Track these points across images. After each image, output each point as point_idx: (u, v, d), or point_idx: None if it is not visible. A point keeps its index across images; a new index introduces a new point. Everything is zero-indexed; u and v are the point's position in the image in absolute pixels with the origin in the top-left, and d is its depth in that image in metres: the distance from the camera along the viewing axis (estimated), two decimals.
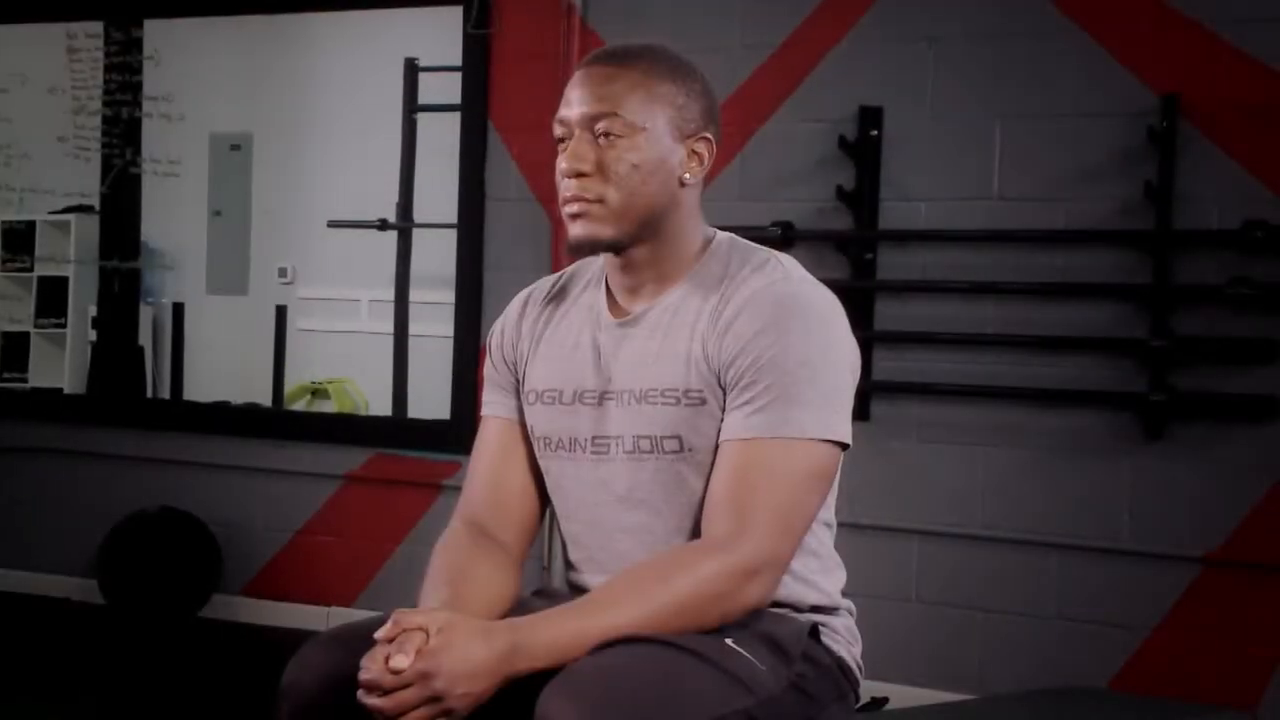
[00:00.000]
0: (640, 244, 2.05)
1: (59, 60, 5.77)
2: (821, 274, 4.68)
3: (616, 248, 2.05)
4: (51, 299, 6.79)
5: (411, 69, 6.14)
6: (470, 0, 5.03)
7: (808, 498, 1.95)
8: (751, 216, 4.56)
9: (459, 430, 5.05)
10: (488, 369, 2.23)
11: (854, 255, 4.48)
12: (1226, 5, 4.09)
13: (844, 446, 1.98)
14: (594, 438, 2.06)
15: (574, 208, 2.02)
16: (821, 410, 1.94)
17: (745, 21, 4.64)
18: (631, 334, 2.06)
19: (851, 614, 2.14)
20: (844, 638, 2.10)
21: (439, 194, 5.52)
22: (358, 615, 4.91)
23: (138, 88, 5.67)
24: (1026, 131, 4.30)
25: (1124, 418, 4.19)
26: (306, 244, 7.16)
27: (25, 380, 6.83)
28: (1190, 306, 4.11)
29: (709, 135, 2.07)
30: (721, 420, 1.98)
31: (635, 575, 1.90)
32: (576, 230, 2.03)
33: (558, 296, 2.18)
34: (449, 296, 5.21)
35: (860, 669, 2.11)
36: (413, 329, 6.17)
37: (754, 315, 1.96)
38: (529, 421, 2.15)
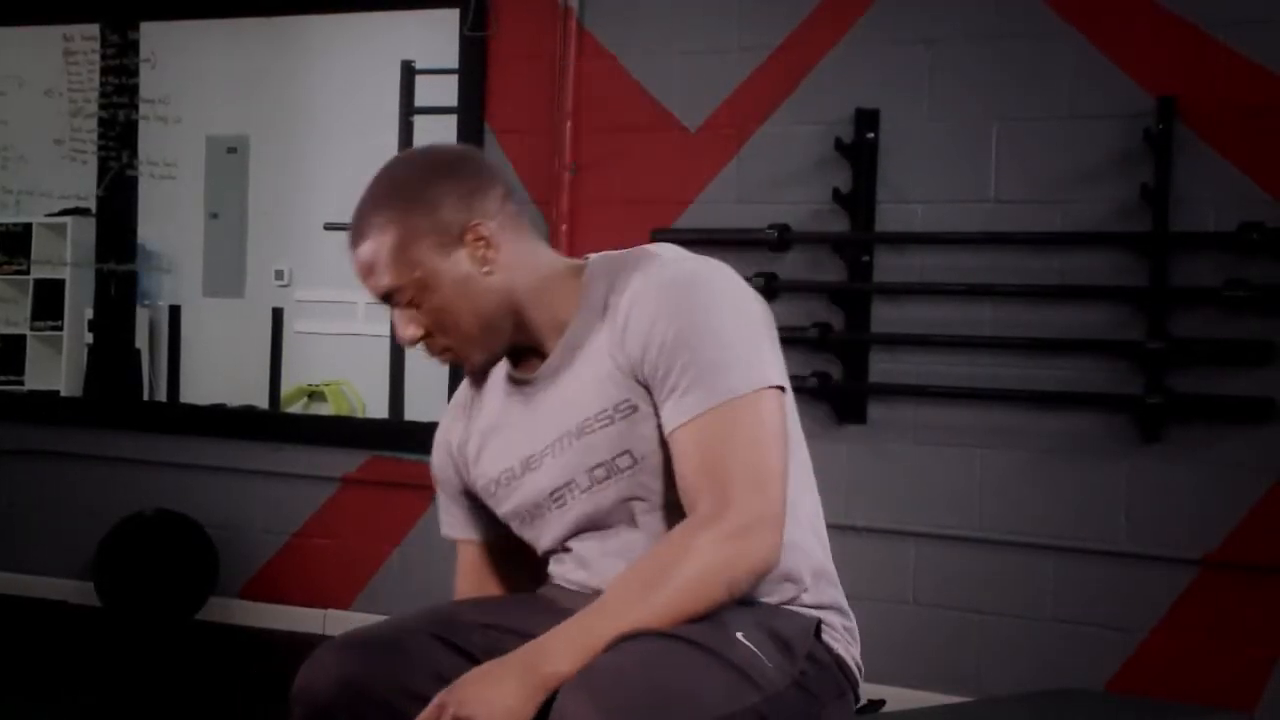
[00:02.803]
0: (513, 335, 2.06)
1: (56, 63, 5.77)
2: (818, 277, 4.72)
3: (497, 359, 2.09)
4: (48, 301, 6.79)
5: (408, 71, 6.14)
6: (467, 3, 5.02)
7: (769, 449, 1.93)
8: (748, 219, 4.56)
9: None
10: (438, 484, 2.25)
11: (851, 257, 4.48)
12: (1223, 7, 4.10)
13: (781, 389, 1.97)
14: (551, 493, 2.06)
15: (439, 360, 2.08)
16: (743, 364, 1.94)
17: (742, 24, 4.64)
18: (547, 385, 2.06)
19: (850, 616, 2.14)
20: (844, 636, 2.10)
21: None
22: (355, 618, 4.91)
23: (134, 90, 5.67)
24: (1023, 134, 4.31)
25: (1121, 419, 4.19)
26: (303, 246, 7.16)
27: (21, 383, 6.83)
28: (1187, 308, 4.11)
29: (476, 222, 2.01)
30: (658, 417, 1.98)
31: (637, 573, 1.90)
32: (462, 366, 2.10)
33: (472, 395, 2.20)
34: None
35: (860, 669, 2.11)
36: None
37: (644, 308, 1.96)
38: (496, 510, 2.16)
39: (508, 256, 2.03)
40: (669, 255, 2.04)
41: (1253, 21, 4.06)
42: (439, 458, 2.24)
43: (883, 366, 4.46)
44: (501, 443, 2.12)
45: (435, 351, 2.06)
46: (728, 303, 1.98)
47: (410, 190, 2.02)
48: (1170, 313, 4.12)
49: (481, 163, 2.11)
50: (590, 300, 2.03)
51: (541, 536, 2.12)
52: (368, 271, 2.03)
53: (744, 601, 1.99)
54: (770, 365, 1.97)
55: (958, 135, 4.37)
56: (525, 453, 2.08)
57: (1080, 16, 4.23)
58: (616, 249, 2.11)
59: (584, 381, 2.01)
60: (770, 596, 2.02)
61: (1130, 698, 3.98)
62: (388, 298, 2.03)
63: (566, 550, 2.10)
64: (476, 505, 2.20)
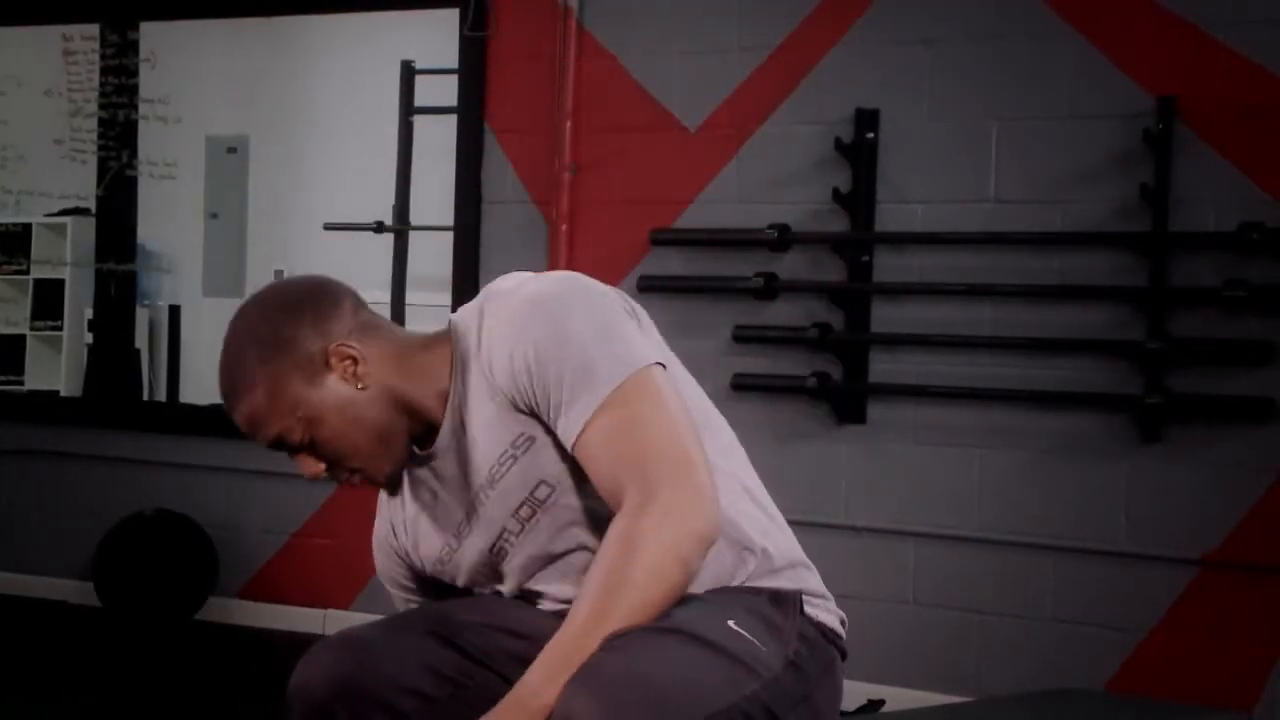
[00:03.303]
0: (410, 428, 2.05)
1: (55, 63, 5.77)
2: (818, 277, 4.71)
3: (405, 460, 2.07)
4: (48, 301, 6.79)
5: (408, 71, 6.14)
6: (467, 3, 5.02)
7: (672, 423, 1.91)
8: (748, 219, 4.56)
9: None
10: (389, 585, 2.26)
11: (850, 258, 4.48)
12: (1223, 8, 4.10)
13: (661, 365, 1.96)
14: (490, 549, 2.06)
15: (354, 484, 2.10)
16: (611, 355, 1.92)
17: (742, 24, 4.64)
18: (447, 453, 2.05)
19: (814, 570, 2.12)
20: (820, 601, 2.09)
21: (435, 196, 5.53)
22: (354, 618, 4.91)
23: (134, 90, 5.67)
24: (1023, 134, 4.31)
25: (1120, 419, 4.19)
26: (303, 246, 7.16)
27: (21, 383, 6.83)
28: (1186, 308, 4.11)
29: (332, 344, 2.02)
30: (556, 440, 1.96)
31: (594, 583, 1.86)
32: (376, 485, 2.12)
33: (390, 502, 2.19)
34: (445, 299, 5.20)
35: (844, 624, 2.10)
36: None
37: (500, 342, 1.97)
38: (456, 584, 2.15)
39: (375, 362, 2.03)
40: (510, 285, 2.06)
41: (1253, 21, 4.07)
42: (382, 560, 2.23)
43: (882, 367, 4.46)
44: (428, 524, 2.12)
45: (345, 479, 2.07)
46: (577, 304, 1.98)
47: (264, 338, 2.05)
48: (1170, 313, 4.12)
49: (323, 286, 2.12)
50: (460, 358, 2.03)
51: (505, 590, 2.12)
52: (253, 428, 2.06)
53: (724, 588, 2.00)
54: (638, 345, 1.95)
55: (958, 135, 4.38)
56: (454, 522, 2.08)
57: (1080, 16, 4.23)
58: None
59: (476, 434, 2.01)
60: (739, 574, 2.02)
61: (1130, 698, 3.98)
62: (280, 445, 2.06)
63: (535, 593, 2.09)
64: (430, 582, 2.20)
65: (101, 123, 5.71)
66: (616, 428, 1.89)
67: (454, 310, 5.14)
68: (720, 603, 1.96)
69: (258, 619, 5.35)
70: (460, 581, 2.14)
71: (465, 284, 5.08)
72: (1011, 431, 4.32)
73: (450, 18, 5.11)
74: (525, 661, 1.97)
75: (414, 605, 2.24)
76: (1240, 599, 4.06)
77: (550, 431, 1.96)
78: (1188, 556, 4.11)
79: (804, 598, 2.04)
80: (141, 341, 6.42)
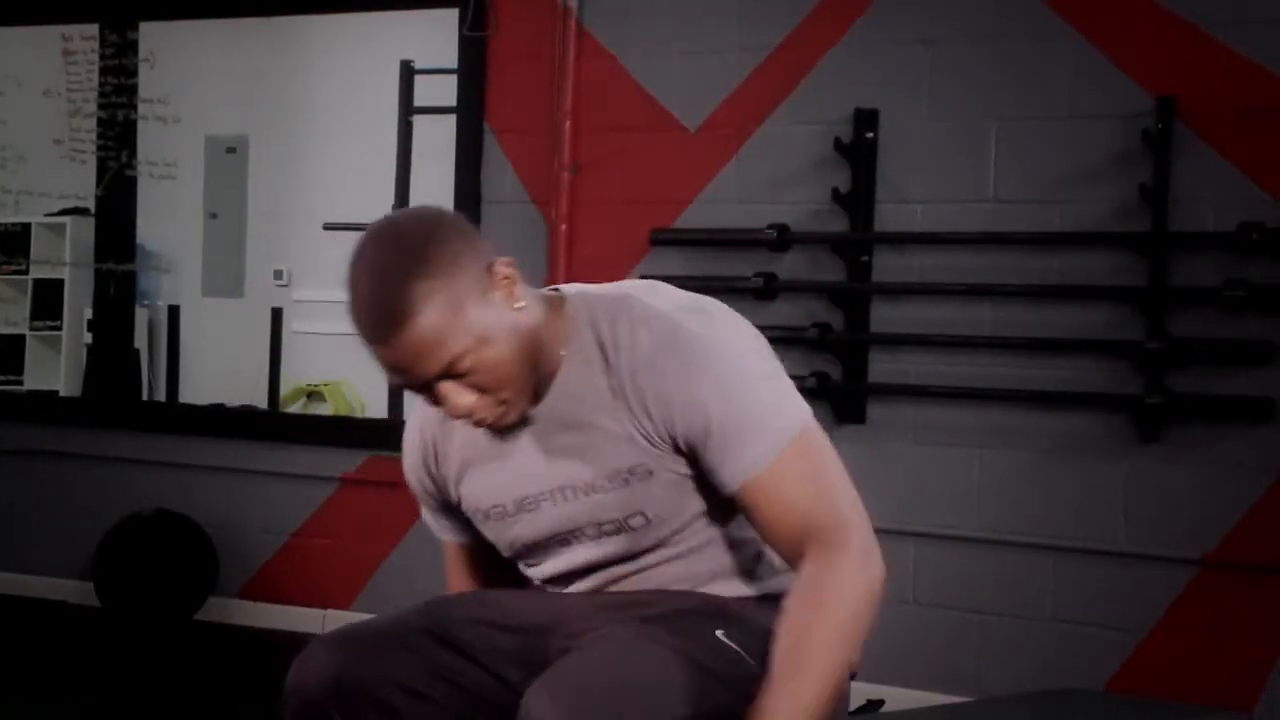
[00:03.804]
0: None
1: (55, 63, 5.77)
2: (817, 277, 4.71)
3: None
4: (47, 301, 6.79)
5: (407, 71, 6.14)
6: (466, 3, 5.02)
7: (839, 473, 1.96)
8: (747, 219, 4.56)
9: None
10: (419, 501, 2.22)
11: (850, 258, 4.48)
12: (1222, 7, 4.10)
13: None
14: (553, 535, 2.05)
15: (481, 426, 1.97)
16: (783, 406, 1.95)
17: (741, 23, 4.64)
18: (543, 431, 2.00)
19: None
20: None
21: (435, 196, 5.51)
22: (354, 618, 4.89)
23: (133, 90, 5.67)
24: (1022, 134, 4.31)
25: (1120, 419, 4.19)
26: (302, 246, 7.16)
27: (21, 383, 6.83)
28: (1186, 308, 4.11)
29: (491, 261, 1.92)
30: (678, 476, 1.96)
31: (794, 639, 1.87)
32: (493, 429, 1.99)
33: (442, 418, 2.09)
34: None
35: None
36: None
37: (668, 380, 1.91)
38: (485, 535, 2.14)
39: (521, 289, 1.95)
40: (660, 306, 1.97)
41: (1252, 21, 4.06)
42: (413, 478, 2.21)
43: (882, 367, 4.46)
44: (488, 475, 2.07)
45: (487, 414, 1.93)
46: (741, 347, 1.98)
47: (428, 257, 1.88)
48: (1169, 313, 4.12)
49: (449, 211, 2.05)
50: (581, 347, 1.97)
51: (540, 568, 2.11)
52: (422, 354, 1.86)
53: (734, 603, 2.00)
54: (798, 397, 1.97)
55: (957, 135, 4.38)
56: (519, 493, 2.05)
57: (1079, 16, 4.23)
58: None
59: (591, 437, 1.97)
60: (756, 578, 2.04)
61: (1129, 698, 3.98)
62: (443, 374, 1.88)
63: (568, 580, 2.09)
64: (462, 516, 2.17)
65: (101, 123, 5.71)
66: (795, 475, 1.91)
67: None
68: (718, 610, 1.97)
69: (257, 619, 5.35)
70: (494, 539, 2.11)
71: None
72: (1011, 431, 4.31)
73: (449, 17, 5.11)
74: (520, 659, 1.97)
75: (439, 520, 2.21)
76: (1240, 599, 4.06)
77: (673, 470, 1.95)
78: (1187, 556, 4.10)
79: None
80: (141, 341, 6.42)
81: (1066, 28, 4.25)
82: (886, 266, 4.46)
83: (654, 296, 2.00)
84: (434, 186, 5.54)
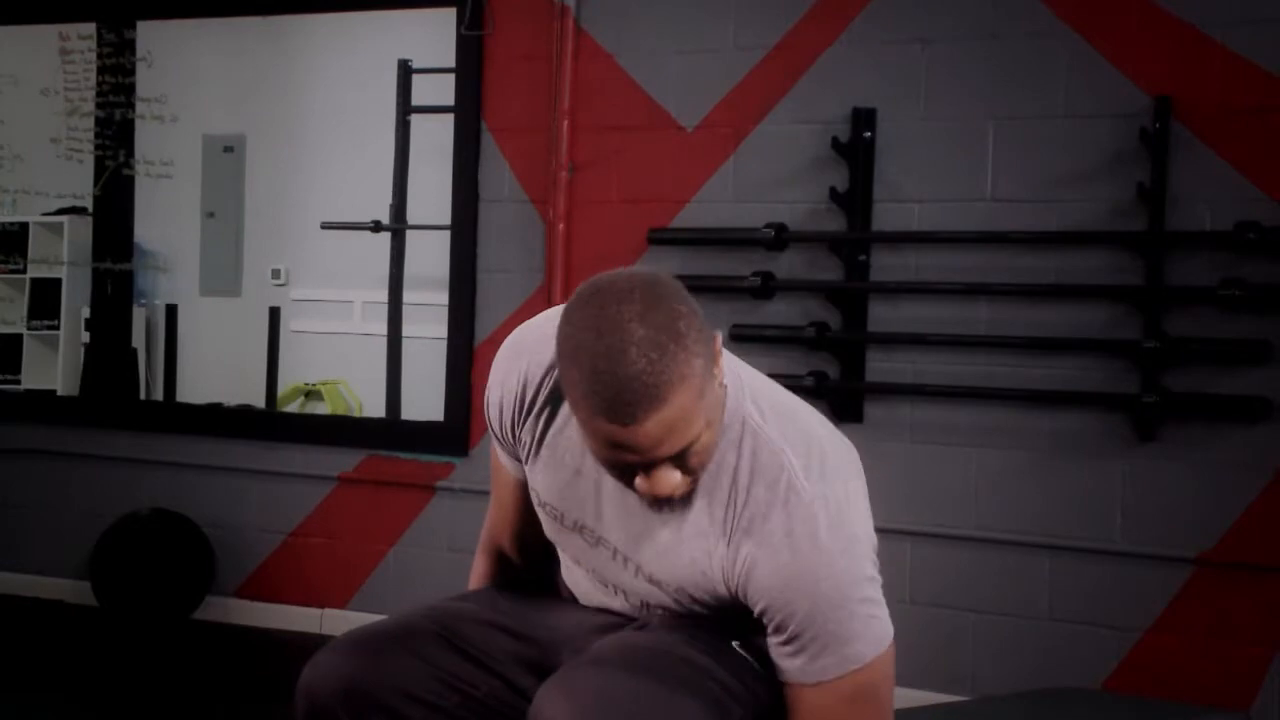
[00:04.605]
0: None
1: (52, 62, 5.77)
2: (815, 275, 4.70)
3: None
4: (44, 301, 6.77)
5: (405, 71, 6.13)
6: (464, 2, 5.02)
7: (890, 701, 1.96)
8: (745, 218, 4.56)
9: (452, 432, 5.05)
10: (490, 421, 2.12)
11: (847, 257, 4.48)
12: (1219, 7, 4.10)
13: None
14: (594, 570, 2.05)
15: (669, 497, 1.88)
16: (868, 630, 1.92)
17: (739, 23, 4.64)
18: (635, 501, 1.95)
19: None
20: None
21: (433, 196, 5.52)
22: (351, 617, 4.91)
23: (131, 89, 5.67)
24: (1019, 133, 4.31)
25: (1117, 419, 4.20)
26: (300, 245, 7.14)
27: (18, 382, 6.81)
28: (1183, 308, 4.12)
29: (714, 336, 1.83)
30: (739, 612, 1.94)
31: None
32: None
33: (557, 392, 2.00)
34: (442, 298, 5.20)
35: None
36: (406, 331, 6.16)
37: (776, 573, 1.87)
38: (538, 513, 2.12)
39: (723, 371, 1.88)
40: (805, 492, 1.90)
41: (1249, 21, 4.07)
42: (493, 412, 2.08)
43: (879, 366, 4.46)
44: (561, 481, 2.02)
45: (678, 494, 1.86)
46: (859, 569, 1.93)
47: (682, 327, 1.76)
48: (1166, 312, 4.12)
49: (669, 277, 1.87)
50: (721, 462, 1.91)
51: (568, 549, 2.10)
52: (667, 435, 1.76)
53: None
54: (886, 618, 1.95)
55: (954, 134, 4.38)
56: (582, 520, 2.02)
57: (1076, 16, 4.24)
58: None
59: (680, 549, 1.94)
60: None
61: (1126, 697, 3.99)
62: (677, 456, 1.80)
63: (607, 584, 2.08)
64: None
65: (98, 122, 5.70)
66: (850, 698, 1.90)
67: (451, 309, 5.09)
68: (735, 621, 1.97)
69: (255, 618, 5.35)
70: (545, 529, 2.09)
71: (462, 283, 5.08)
72: (1008, 431, 4.32)
73: (447, 17, 5.11)
74: (533, 665, 1.97)
75: (498, 450, 2.14)
76: (1237, 598, 4.06)
77: (730, 611, 1.94)
78: (1184, 555, 4.11)
79: None
80: (138, 341, 6.40)
81: (1064, 27, 4.25)
82: (884, 266, 4.47)
83: (806, 471, 1.92)
84: (432, 186, 5.55)
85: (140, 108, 5.68)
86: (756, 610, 1.91)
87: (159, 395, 6.64)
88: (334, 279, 7.06)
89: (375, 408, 6.34)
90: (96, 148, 5.71)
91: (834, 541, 1.90)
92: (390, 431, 5.53)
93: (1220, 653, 4.07)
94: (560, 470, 2.01)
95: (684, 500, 1.91)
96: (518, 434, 2.05)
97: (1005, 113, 4.32)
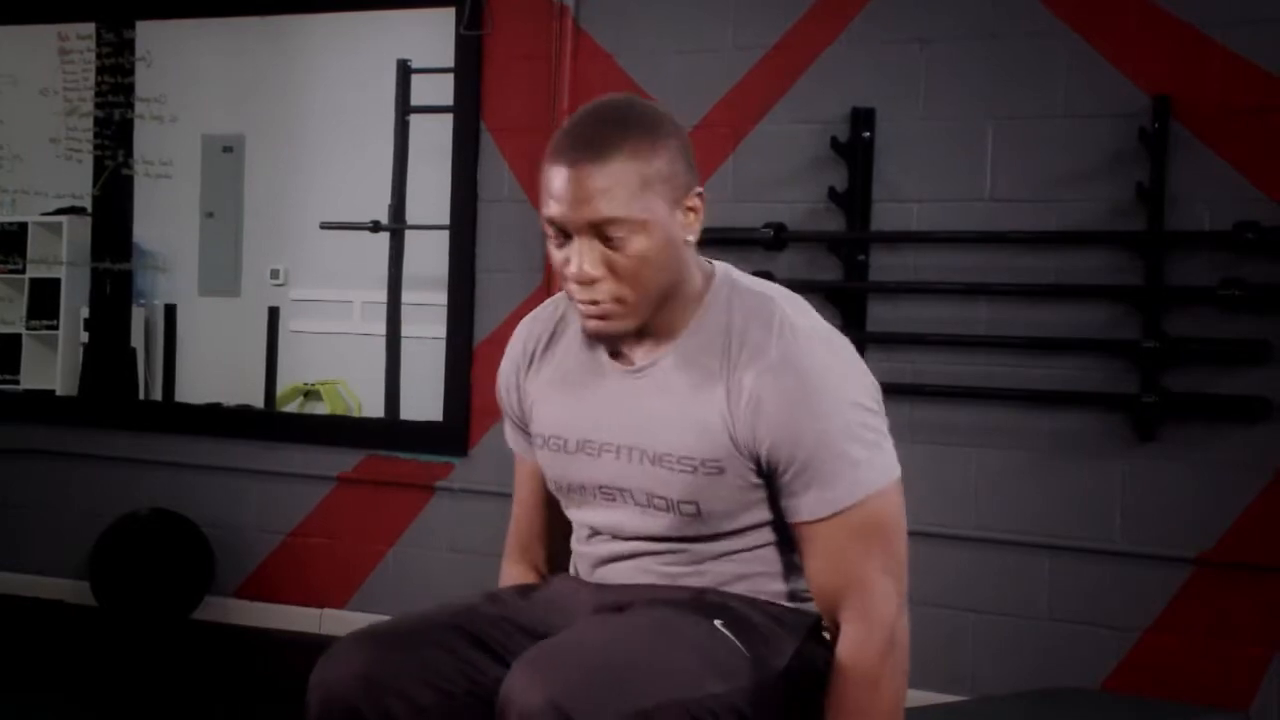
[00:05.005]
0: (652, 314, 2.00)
1: (51, 62, 5.77)
2: (814, 275, 4.70)
3: (637, 332, 2.00)
4: (43, 301, 6.77)
5: (404, 71, 6.13)
6: (463, 2, 5.02)
7: (900, 539, 2.00)
8: (744, 217, 4.56)
9: (451, 432, 5.05)
10: (502, 405, 2.23)
11: (846, 256, 4.48)
12: (1218, 7, 4.10)
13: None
14: (601, 487, 2.06)
15: (590, 310, 1.96)
16: (875, 458, 1.97)
17: (738, 23, 4.64)
18: (637, 387, 2.03)
19: None
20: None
21: (432, 196, 5.52)
22: (351, 617, 4.91)
23: (130, 89, 5.67)
24: (1018, 133, 4.31)
25: (1116, 419, 4.20)
26: (299, 245, 7.14)
27: (17, 382, 6.81)
28: (1182, 308, 4.12)
29: (699, 189, 2.00)
30: (746, 484, 1.97)
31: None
32: (594, 325, 1.98)
33: (559, 331, 2.14)
34: (442, 298, 5.20)
35: None
36: (405, 330, 6.16)
37: (781, 398, 1.93)
38: (539, 462, 2.16)
39: (695, 237, 2.00)
40: (798, 321, 1.98)
41: (1248, 21, 4.07)
42: (502, 383, 2.20)
43: (878, 365, 4.40)
44: (562, 407, 2.09)
45: (601, 299, 1.94)
46: (857, 394, 1.99)
47: (668, 129, 1.98)
48: (1166, 312, 4.12)
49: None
50: (708, 326, 1.99)
51: (580, 513, 2.12)
52: (593, 193, 1.89)
53: (745, 596, 2.00)
54: (891, 453, 2.00)
55: (953, 134, 4.38)
56: (584, 434, 2.06)
57: (1075, 15, 4.24)
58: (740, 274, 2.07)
59: (682, 418, 1.98)
60: (776, 592, 2.05)
61: (1126, 697, 3.99)
62: (594, 227, 1.91)
63: (597, 534, 2.10)
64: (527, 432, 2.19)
65: (97, 122, 5.70)
66: (854, 534, 1.95)
67: (451, 309, 5.10)
68: (720, 604, 1.97)
69: (254, 618, 5.35)
70: (547, 471, 2.13)
71: (461, 283, 5.08)
72: (1007, 431, 4.32)
73: (446, 17, 5.11)
74: None
75: (513, 431, 2.22)
76: (1236, 598, 4.06)
77: (741, 478, 1.96)
78: (1183, 555, 4.11)
79: (825, 629, 2.06)
80: (137, 341, 6.40)
81: (1063, 27, 4.25)
82: (883, 265, 4.47)
83: (796, 310, 2.01)
84: (430, 186, 5.55)
85: (139, 108, 5.68)
86: (765, 450, 1.93)
87: (158, 395, 6.64)
88: (333, 279, 7.06)
89: (374, 408, 6.34)
90: (96, 148, 5.71)
91: (834, 363, 1.97)
92: (389, 431, 5.53)
93: (1219, 653, 4.07)
94: (563, 394, 2.09)
95: (679, 369, 1.98)
96: (524, 390, 2.15)
97: (1004, 113, 4.32)
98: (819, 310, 2.08)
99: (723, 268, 2.07)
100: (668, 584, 2.04)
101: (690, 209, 1.98)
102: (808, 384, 1.93)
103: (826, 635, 2.06)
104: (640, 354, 2.03)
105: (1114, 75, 4.19)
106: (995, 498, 4.34)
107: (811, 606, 2.06)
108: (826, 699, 1.96)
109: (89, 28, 5.70)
